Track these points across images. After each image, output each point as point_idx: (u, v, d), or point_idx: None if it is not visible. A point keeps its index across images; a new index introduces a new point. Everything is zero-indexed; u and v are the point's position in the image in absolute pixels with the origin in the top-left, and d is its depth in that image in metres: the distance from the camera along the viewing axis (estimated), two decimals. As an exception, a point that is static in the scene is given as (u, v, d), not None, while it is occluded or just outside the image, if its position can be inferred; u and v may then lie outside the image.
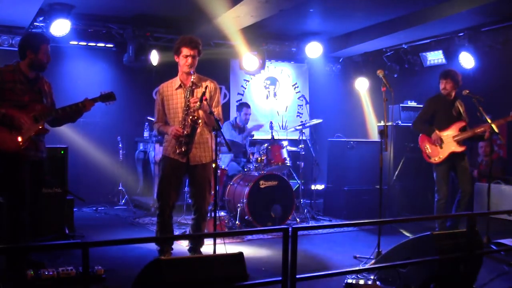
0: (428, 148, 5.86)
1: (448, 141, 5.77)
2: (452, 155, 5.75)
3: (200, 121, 4.39)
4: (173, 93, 4.60)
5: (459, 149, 5.75)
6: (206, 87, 4.46)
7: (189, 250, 4.83)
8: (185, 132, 4.42)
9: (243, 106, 7.74)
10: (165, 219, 4.63)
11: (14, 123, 3.95)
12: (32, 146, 4.09)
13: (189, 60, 4.51)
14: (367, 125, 9.95)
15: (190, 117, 4.39)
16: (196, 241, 4.81)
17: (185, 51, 4.52)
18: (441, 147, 5.75)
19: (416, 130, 6.08)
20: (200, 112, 4.42)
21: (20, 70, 4.10)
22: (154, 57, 7.74)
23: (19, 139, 3.97)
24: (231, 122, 7.72)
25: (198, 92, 4.51)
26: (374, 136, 9.66)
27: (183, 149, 4.45)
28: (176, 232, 5.98)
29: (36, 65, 4.13)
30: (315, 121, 7.59)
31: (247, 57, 8.26)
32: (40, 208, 4.37)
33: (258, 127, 7.91)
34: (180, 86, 4.59)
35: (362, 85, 9.69)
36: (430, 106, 5.95)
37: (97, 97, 4.32)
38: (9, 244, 3.98)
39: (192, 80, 4.49)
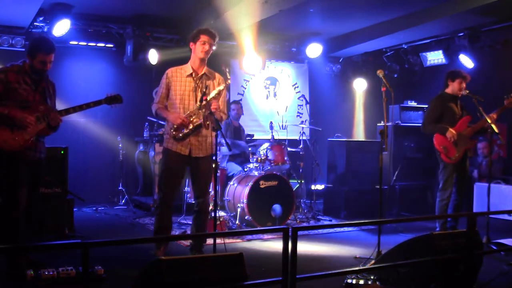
0: (445, 148, 5.71)
1: (461, 138, 5.70)
2: (465, 152, 5.73)
3: (208, 123, 4.51)
4: (182, 79, 4.62)
5: (470, 144, 5.74)
6: (206, 87, 4.52)
7: (191, 249, 4.82)
8: (190, 126, 4.50)
9: (231, 103, 7.78)
10: (165, 210, 4.64)
11: (18, 123, 3.96)
12: (32, 146, 4.08)
13: (206, 46, 4.59)
14: (354, 125, 10.02)
15: (201, 121, 4.48)
16: (197, 239, 4.81)
17: (204, 37, 4.59)
18: (456, 145, 5.67)
19: (428, 132, 5.88)
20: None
21: (25, 70, 4.10)
22: (153, 56, 7.74)
23: (21, 138, 3.98)
24: (227, 122, 7.72)
25: (213, 85, 4.64)
26: (360, 136, 9.85)
27: (180, 135, 4.52)
28: (176, 232, 5.99)
29: (34, 69, 4.13)
30: (313, 127, 7.58)
31: (247, 57, 8.25)
32: (38, 209, 4.35)
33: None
34: (191, 75, 4.63)
35: (359, 85, 9.71)
36: (438, 107, 5.84)
37: (102, 99, 4.29)
38: (8, 244, 3.98)
39: (204, 72, 4.61)
